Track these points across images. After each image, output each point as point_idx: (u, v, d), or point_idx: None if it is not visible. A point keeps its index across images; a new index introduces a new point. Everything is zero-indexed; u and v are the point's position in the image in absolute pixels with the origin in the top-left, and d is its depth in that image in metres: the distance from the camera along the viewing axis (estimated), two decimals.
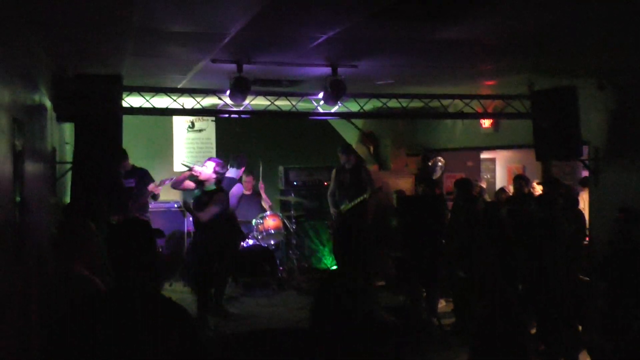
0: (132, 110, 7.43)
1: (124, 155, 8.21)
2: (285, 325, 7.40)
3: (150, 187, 8.62)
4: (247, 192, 10.01)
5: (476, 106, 8.47)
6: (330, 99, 7.39)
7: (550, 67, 7.15)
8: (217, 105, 8.15)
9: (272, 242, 9.62)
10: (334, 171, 9.48)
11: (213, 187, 7.62)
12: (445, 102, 8.35)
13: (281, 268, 9.61)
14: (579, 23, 5.07)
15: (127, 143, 7.24)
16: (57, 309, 3.85)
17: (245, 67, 6.60)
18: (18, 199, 4.09)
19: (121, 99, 6.88)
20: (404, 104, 8.32)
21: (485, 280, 7.34)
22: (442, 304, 8.98)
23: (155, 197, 8.85)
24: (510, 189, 9.91)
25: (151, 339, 2.51)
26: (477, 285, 7.45)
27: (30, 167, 4.72)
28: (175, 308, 2.64)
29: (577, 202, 7.99)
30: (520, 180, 9.12)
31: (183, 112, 8.09)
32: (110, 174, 7.19)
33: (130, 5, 4.36)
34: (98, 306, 2.59)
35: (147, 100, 7.47)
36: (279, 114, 8.06)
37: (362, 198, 8.95)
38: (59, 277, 4.07)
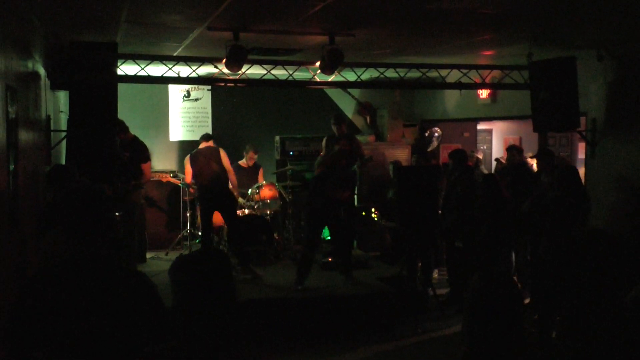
0: (127, 78, 7.37)
1: (124, 127, 8.27)
2: (280, 295, 7.45)
3: None
4: (245, 165, 9.99)
5: (474, 76, 8.41)
6: (327, 68, 7.33)
7: (549, 38, 7.09)
8: (213, 74, 8.09)
9: (268, 212, 9.63)
10: (325, 140, 9.42)
11: None
12: (443, 72, 8.30)
13: (277, 237, 9.64)
14: None
15: (122, 112, 7.18)
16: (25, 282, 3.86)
17: (242, 35, 6.53)
18: (12, 166, 4.06)
19: (116, 66, 6.81)
20: (402, 74, 8.26)
21: (480, 250, 7.38)
22: (437, 274, 9.06)
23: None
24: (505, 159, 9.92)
25: (109, 304, 2.52)
26: (472, 254, 7.49)
27: (24, 135, 4.69)
28: (132, 275, 2.65)
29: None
30: (513, 150, 9.12)
31: (178, 80, 8.03)
32: (105, 142, 7.15)
33: None
34: (59, 273, 2.59)
35: (143, 69, 7.40)
36: (276, 83, 8.01)
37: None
38: (54, 246, 4.07)
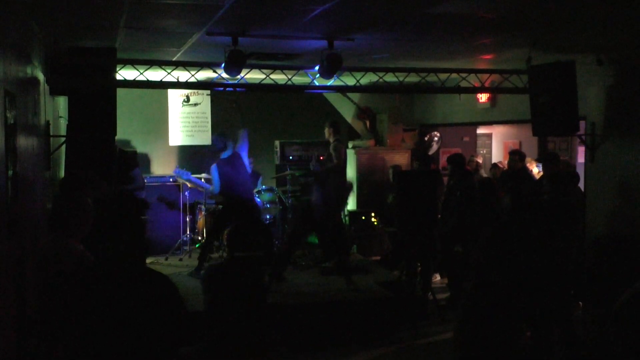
0: (126, 83, 7.36)
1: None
2: (280, 300, 7.43)
3: None
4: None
5: (473, 81, 8.42)
6: (326, 73, 7.34)
7: (548, 42, 7.09)
8: (212, 78, 8.09)
9: (268, 217, 9.62)
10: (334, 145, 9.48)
11: None
12: (442, 76, 8.30)
13: (277, 242, 9.62)
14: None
15: (122, 117, 7.18)
16: (51, 283, 3.85)
17: (241, 40, 6.53)
18: (10, 172, 4.06)
19: (115, 71, 6.81)
20: (401, 78, 8.26)
21: (479, 255, 7.36)
22: (436, 279, 9.04)
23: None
24: (505, 164, 9.91)
25: (136, 308, 2.54)
26: (472, 259, 7.48)
27: (23, 141, 4.68)
28: (158, 277, 2.67)
29: (578, 178, 7.99)
30: (515, 156, 9.10)
31: (178, 85, 8.03)
32: (105, 147, 7.14)
33: None
34: (88, 278, 2.61)
35: (141, 73, 7.40)
36: (275, 87, 8.01)
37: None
38: (54, 252, 4.06)
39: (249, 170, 9.03)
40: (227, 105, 10.72)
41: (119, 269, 2.61)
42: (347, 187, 8.58)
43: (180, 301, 2.69)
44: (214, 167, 8.47)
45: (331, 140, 9.43)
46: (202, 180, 9.55)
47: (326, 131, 9.54)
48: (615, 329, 2.35)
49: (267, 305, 2.83)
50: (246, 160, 8.74)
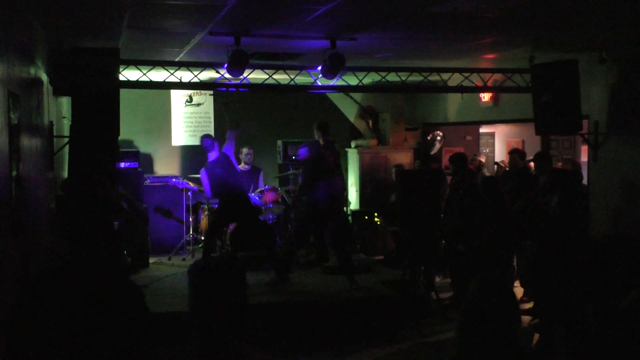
0: (130, 84, 7.38)
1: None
2: (283, 299, 7.44)
3: None
4: (245, 167, 9.98)
5: (476, 80, 8.42)
6: (329, 73, 7.34)
7: (550, 41, 7.09)
8: (215, 79, 8.11)
9: (271, 217, 9.63)
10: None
11: None
12: (445, 75, 8.30)
13: (279, 242, 9.63)
14: None
15: (124, 117, 7.19)
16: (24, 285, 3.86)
17: (243, 40, 6.54)
18: (14, 172, 4.07)
19: (118, 72, 6.83)
20: (403, 78, 8.26)
21: (482, 254, 7.37)
22: (439, 278, 9.04)
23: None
24: (507, 163, 9.88)
25: (100, 312, 2.53)
26: (474, 258, 7.48)
27: (27, 141, 4.70)
28: (125, 283, 2.66)
29: (581, 177, 7.98)
30: (515, 154, 9.07)
31: (180, 85, 8.04)
32: (108, 147, 7.16)
33: None
34: (57, 278, 2.60)
35: (144, 74, 7.42)
36: (277, 87, 8.02)
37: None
38: (57, 251, 4.08)
39: (239, 168, 9.05)
40: (217, 107, 10.75)
41: (85, 269, 2.58)
42: (338, 190, 8.49)
43: (141, 307, 2.65)
44: (203, 172, 8.51)
45: (321, 142, 9.33)
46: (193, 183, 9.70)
47: (315, 134, 9.40)
48: (622, 329, 2.35)
49: (247, 305, 2.80)
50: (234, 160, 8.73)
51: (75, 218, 2.64)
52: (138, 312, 2.57)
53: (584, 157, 9.91)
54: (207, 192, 8.52)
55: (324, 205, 7.87)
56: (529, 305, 7.39)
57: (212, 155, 8.50)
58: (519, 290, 8.02)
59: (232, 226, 8.97)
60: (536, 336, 6.63)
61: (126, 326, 2.54)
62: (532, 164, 9.45)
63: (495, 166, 10.45)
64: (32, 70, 5.42)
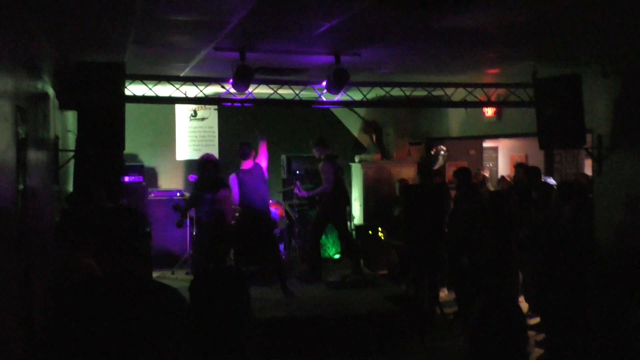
0: (135, 99, 7.42)
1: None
2: (287, 313, 7.42)
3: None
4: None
5: (479, 95, 8.44)
6: (333, 88, 7.37)
7: (554, 55, 7.11)
8: (220, 93, 8.15)
9: (275, 231, 9.63)
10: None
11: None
12: (449, 90, 8.32)
13: (283, 257, 9.63)
14: (583, 10, 5.04)
15: (129, 131, 7.23)
16: (59, 296, 3.87)
17: (248, 55, 6.58)
18: (21, 186, 4.09)
19: (124, 87, 6.87)
20: (407, 93, 8.29)
21: (486, 269, 7.35)
22: (444, 293, 9.01)
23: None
24: (512, 177, 9.89)
25: (143, 322, 2.54)
26: (479, 273, 7.47)
27: (33, 155, 4.72)
28: (166, 290, 2.67)
29: (586, 190, 7.97)
30: (520, 169, 9.09)
31: (186, 100, 8.08)
32: (113, 161, 7.19)
33: None
34: (93, 292, 2.62)
35: (150, 89, 7.46)
36: (282, 102, 8.05)
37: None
38: (62, 265, 4.09)
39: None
40: (237, 120, 10.75)
41: (126, 283, 2.61)
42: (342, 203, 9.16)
43: (186, 314, 2.68)
44: (233, 177, 8.45)
45: (321, 158, 9.39)
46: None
47: (314, 151, 9.47)
48: (631, 344, 2.35)
49: (251, 317, 2.80)
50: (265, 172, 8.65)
51: (113, 229, 2.66)
52: (182, 322, 2.60)
53: (587, 171, 9.92)
54: (235, 198, 8.49)
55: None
56: (534, 321, 7.36)
57: (247, 164, 8.46)
58: (523, 306, 7.98)
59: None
60: (537, 351, 6.61)
61: (171, 337, 2.55)
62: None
63: (500, 179, 10.46)
64: (39, 85, 5.46)
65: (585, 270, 6.17)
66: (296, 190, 9.64)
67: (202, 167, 9.24)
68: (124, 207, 2.78)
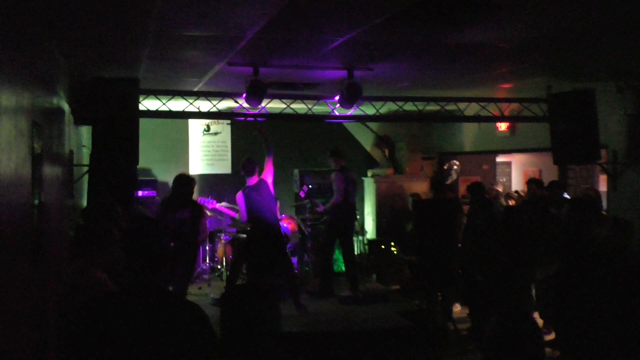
0: (149, 114, 7.46)
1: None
2: (299, 329, 7.39)
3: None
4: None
5: (493, 109, 8.42)
6: (346, 102, 7.38)
7: (567, 70, 7.10)
8: (233, 108, 8.19)
9: (289, 245, 9.62)
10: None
11: None
12: (462, 105, 8.31)
13: (296, 271, 9.60)
14: (596, 26, 5.03)
15: (143, 146, 7.26)
16: (74, 311, 3.88)
17: (262, 70, 6.62)
18: (37, 201, 4.12)
19: (138, 102, 6.91)
20: (420, 107, 8.29)
21: (501, 285, 7.29)
22: (457, 309, 8.95)
23: None
24: (525, 192, 9.82)
25: (164, 336, 2.52)
26: (493, 289, 7.40)
27: (49, 170, 4.76)
28: (186, 305, 2.66)
29: (601, 207, 7.90)
30: (533, 184, 9.03)
31: (199, 115, 8.12)
32: (127, 176, 7.22)
33: (147, 11, 4.39)
34: (110, 306, 2.61)
35: (164, 104, 7.50)
36: (295, 117, 8.07)
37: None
38: (77, 280, 4.10)
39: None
40: (249, 134, 10.76)
41: (144, 297, 2.59)
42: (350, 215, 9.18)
43: (210, 331, 2.66)
44: (240, 195, 8.42)
45: (337, 169, 9.36)
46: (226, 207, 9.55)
47: (331, 162, 9.44)
48: None
49: (281, 333, 2.78)
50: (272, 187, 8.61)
51: (138, 242, 2.66)
52: (205, 337, 2.57)
53: (602, 187, 9.84)
54: (243, 216, 8.45)
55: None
56: (549, 337, 7.28)
57: (252, 180, 8.44)
58: (538, 322, 7.90)
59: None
60: None
61: (194, 351, 2.53)
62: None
63: (516, 194, 10.39)
64: (55, 100, 5.50)
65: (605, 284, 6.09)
66: (301, 194, 9.59)
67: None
68: (145, 219, 2.80)
